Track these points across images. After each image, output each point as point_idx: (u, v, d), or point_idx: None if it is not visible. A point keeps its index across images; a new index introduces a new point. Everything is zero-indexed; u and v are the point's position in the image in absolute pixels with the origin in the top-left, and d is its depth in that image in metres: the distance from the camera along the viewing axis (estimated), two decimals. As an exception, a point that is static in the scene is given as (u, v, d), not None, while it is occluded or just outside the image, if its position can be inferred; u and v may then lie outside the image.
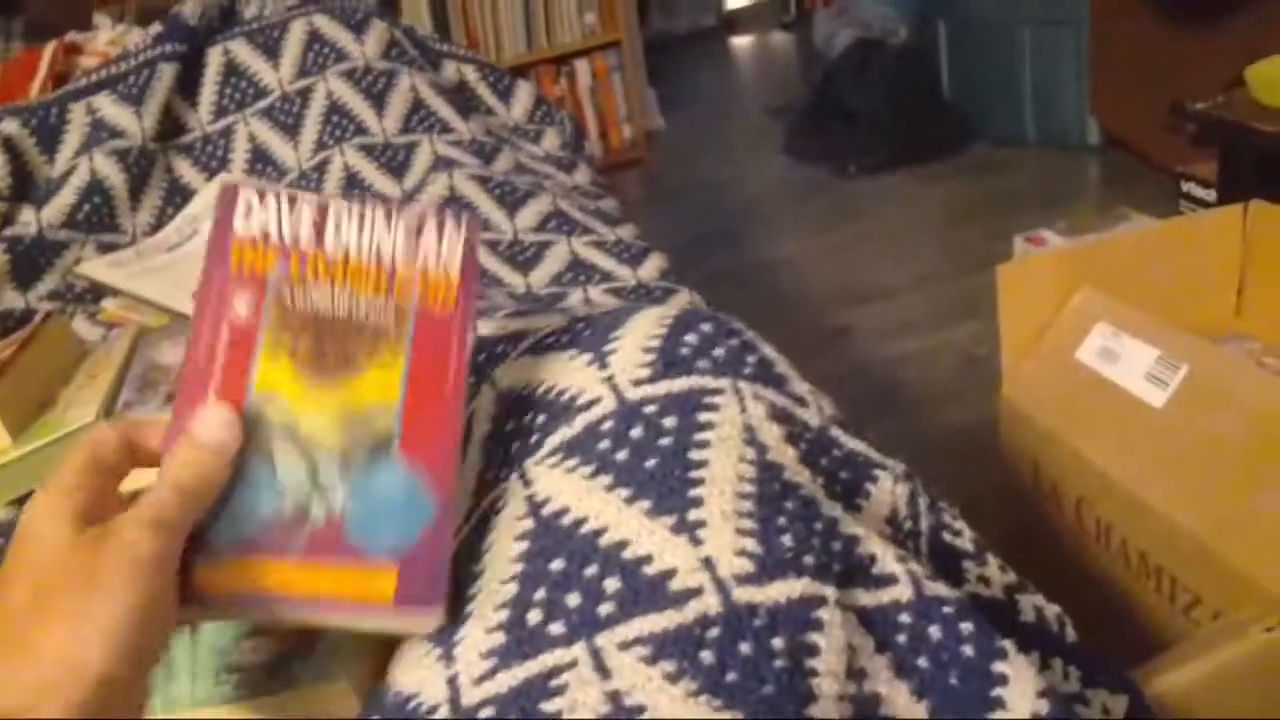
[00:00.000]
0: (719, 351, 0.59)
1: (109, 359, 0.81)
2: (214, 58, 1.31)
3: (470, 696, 0.43)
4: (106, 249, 1.15)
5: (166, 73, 1.25)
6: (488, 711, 0.42)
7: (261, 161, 1.26)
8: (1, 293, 1.06)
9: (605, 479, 0.49)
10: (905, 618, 0.47)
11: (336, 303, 0.48)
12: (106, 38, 1.51)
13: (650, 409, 0.52)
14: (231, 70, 1.31)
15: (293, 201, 0.48)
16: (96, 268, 1.08)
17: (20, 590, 0.39)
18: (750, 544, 0.48)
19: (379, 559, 0.45)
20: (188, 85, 1.29)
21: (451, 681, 0.44)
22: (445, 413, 0.48)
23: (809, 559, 0.47)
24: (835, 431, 0.58)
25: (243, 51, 1.32)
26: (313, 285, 0.48)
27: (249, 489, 0.45)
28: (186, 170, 1.25)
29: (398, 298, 0.48)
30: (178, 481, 0.43)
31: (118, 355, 0.82)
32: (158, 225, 1.20)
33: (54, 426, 0.72)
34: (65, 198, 1.14)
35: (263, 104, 1.29)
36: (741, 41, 5.90)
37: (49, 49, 1.43)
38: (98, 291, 1.07)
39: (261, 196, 0.48)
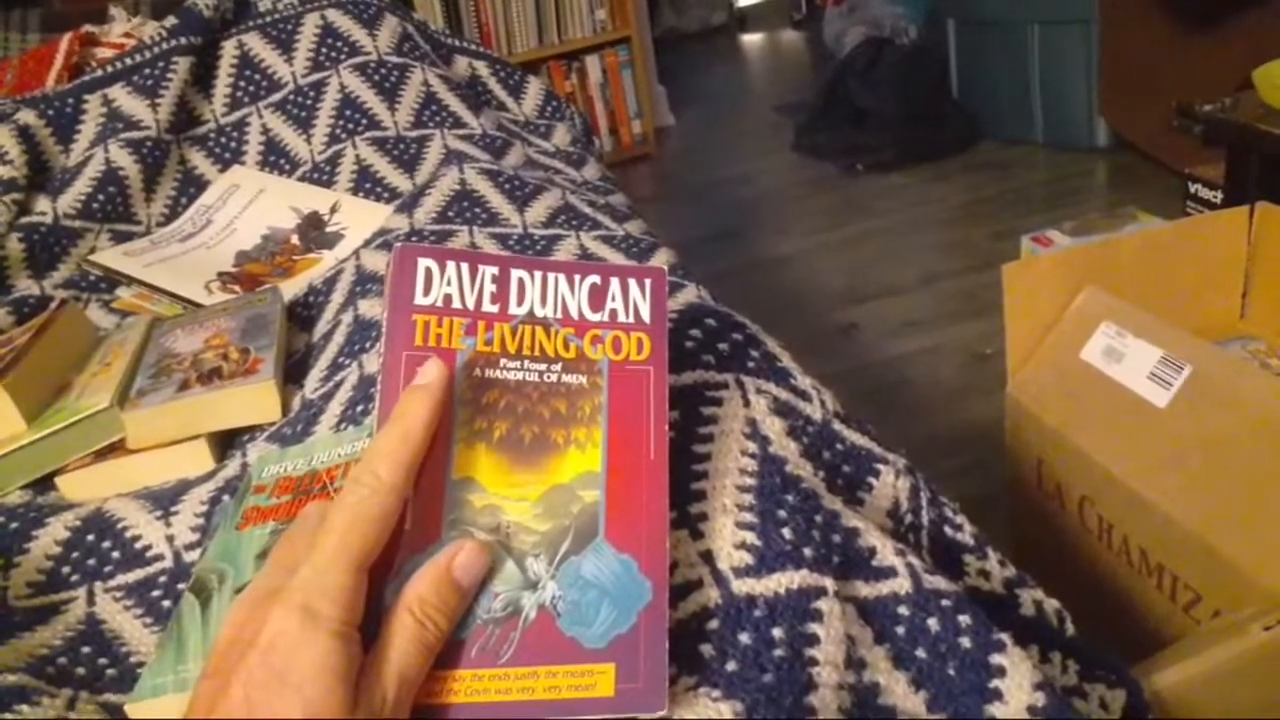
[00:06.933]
0: (723, 346, 0.60)
1: (123, 347, 0.82)
2: (228, 50, 1.32)
3: None
4: (121, 238, 1.16)
5: (181, 64, 1.26)
6: None
7: (274, 154, 1.27)
8: (17, 280, 1.07)
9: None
10: (904, 610, 0.48)
11: (527, 374, 0.46)
12: (121, 29, 1.52)
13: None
14: (245, 63, 1.32)
15: (472, 266, 0.46)
16: (110, 257, 1.09)
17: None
18: (750, 537, 0.49)
19: (596, 651, 0.41)
20: (202, 77, 1.30)
21: None
22: (650, 480, 0.45)
23: (808, 551, 0.48)
24: (838, 425, 0.59)
25: (256, 44, 1.33)
26: (501, 357, 0.46)
27: None
28: (200, 161, 1.26)
29: (588, 359, 0.46)
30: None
31: (132, 343, 0.82)
32: (172, 215, 1.21)
33: (68, 413, 0.72)
34: (80, 187, 1.15)
35: (276, 96, 1.30)
36: (751, 39, 5.91)
37: (65, 40, 1.44)
38: (112, 280, 1.08)
39: (440, 263, 0.46)
